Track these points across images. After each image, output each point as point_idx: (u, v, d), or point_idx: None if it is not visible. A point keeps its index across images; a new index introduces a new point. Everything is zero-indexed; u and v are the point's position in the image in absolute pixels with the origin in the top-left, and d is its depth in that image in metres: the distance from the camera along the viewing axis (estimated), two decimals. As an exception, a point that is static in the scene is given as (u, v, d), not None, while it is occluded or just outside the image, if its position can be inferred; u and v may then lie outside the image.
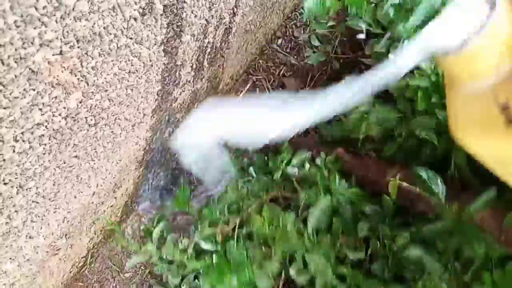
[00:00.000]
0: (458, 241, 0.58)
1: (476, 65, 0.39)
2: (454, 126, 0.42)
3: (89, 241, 0.95)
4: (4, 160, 0.46)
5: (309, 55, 1.27)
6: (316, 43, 1.29)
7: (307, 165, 0.85)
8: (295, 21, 1.45)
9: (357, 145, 0.84)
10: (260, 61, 1.38)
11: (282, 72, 1.39)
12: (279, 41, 1.42)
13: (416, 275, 0.61)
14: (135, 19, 0.52)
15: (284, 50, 1.41)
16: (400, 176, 0.68)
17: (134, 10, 0.50)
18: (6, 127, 0.43)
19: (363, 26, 0.97)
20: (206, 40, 0.80)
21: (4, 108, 0.41)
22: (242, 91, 1.35)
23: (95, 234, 0.94)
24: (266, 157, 0.97)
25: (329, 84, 1.38)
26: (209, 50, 0.85)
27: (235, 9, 0.85)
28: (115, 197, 0.90)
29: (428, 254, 0.60)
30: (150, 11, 0.54)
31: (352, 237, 0.70)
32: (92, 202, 0.79)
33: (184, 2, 0.61)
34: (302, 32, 1.44)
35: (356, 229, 0.70)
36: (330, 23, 1.47)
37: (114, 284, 1.08)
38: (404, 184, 0.68)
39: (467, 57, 0.39)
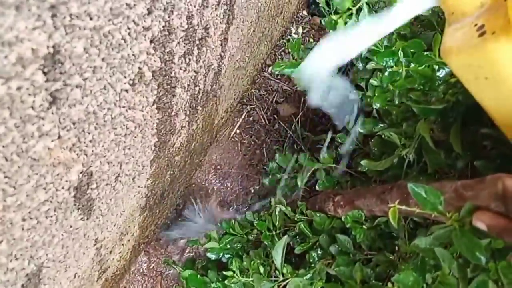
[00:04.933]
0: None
1: (467, 3, 0.51)
2: (443, 50, 0.52)
3: (101, 288, 0.97)
4: (14, 239, 0.49)
5: (299, 83, 1.30)
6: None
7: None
8: (283, 47, 1.49)
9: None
10: (253, 90, 1.42)
11: (275, 99, 1.42)
12: (270, 69, 1.45)
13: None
14: (127, 90, 0.55)
15: (275, 77, 1.45)
16: (395, 200, 0.70)
17: (125, 83, 0.53)
18: (14, 211, 0.46)
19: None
20: (197, 88, 0.83)
21: (11, 195, 0.44)
22: (237, 121, 1.38)
23: (106, 281, 0.97)
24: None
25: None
26: (200, 95, 0.89)
27: (222, 54, 0.89)
28: (122, 244, 0.92)
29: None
30: (139, 80, 0.57)
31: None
32: (101, 254, 0.81)
33: (172, 62, 0.65)
34: (290, 58, 1.48)
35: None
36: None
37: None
38: (404, 207, 0.68)
39: None
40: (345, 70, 1.11)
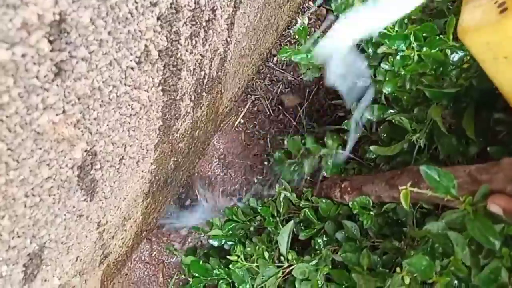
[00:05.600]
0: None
1: None
2: (460, 29, 0.50)
3: (102, 274, 0.96)
4: (16, 215, 0.48)
5: (304, 72, 1.29)
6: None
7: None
8: (289, 38, 1.48)
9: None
10: (258, 80, 1.40)
11: (280, 89, 1.41)
12: (275, 59, 1.44)
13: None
14: (132, 68, 0.54)
15: (280, 67, 1.43)
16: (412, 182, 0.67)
17: (131, 60, 0.52)
18: (16, 186, 0.45)
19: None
20: (203, 73, 0.82)
21: (14, 169, 0.43)
22: (242, 111, 1.37)
23: (108, 266, 0.96)
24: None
25: (326, 98, 1.38)
26: (206, 80, 0.88)
27: (228, 39, 0.88)
28: (125, 229, 0.92)
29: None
30: (146, 58, 0.56)
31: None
32: (103, 238, 0.81)
33: (179, 43, 0.64)
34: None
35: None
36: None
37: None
38: (416, 190, 0.65)
39: None
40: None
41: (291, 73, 1.44)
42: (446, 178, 0.44)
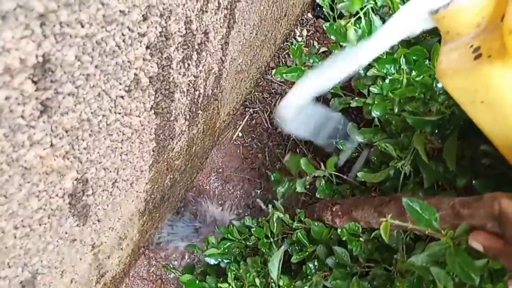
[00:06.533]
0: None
1: (461, 23, 0.50)
2: (438, 70, 0.51)
3: (99, 292, 0.97)
4: (6, 247, 0.48)
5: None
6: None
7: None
8: (287, 50, 1.48)
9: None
10: (256, 93, 1.41)
11: (278, 102, 1.41)
12: (273, 71, 1.44)
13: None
14: (122, 97, 0.54)
15: (279, 80, 1.44)
16: (392, 213, 0.68)
17: (120, 90, 0.53)
18: (5, 220, 0.45)
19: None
20: (197, 92, 0.83)
21: (2, 204, 0.43)
22: (240, 124, 1.37)
23: (105, 285, 0.96)
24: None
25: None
26: (201, 99, 0.88)
27: (223, 58, 0.88)
28: (121, 248, 0.92)
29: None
30: (136, 86, 0.56)
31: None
32: (98, 259, 0.81)
33: (170, 68, 0.64)
34: (294, 61, 1.46)
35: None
36: (322, 49, 1.50)
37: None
38: (396, 222, 0.67)
39: (454, 16, 0.50)
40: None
41: (289, 85, 1.44)
42: (428, 211, 0.44)
